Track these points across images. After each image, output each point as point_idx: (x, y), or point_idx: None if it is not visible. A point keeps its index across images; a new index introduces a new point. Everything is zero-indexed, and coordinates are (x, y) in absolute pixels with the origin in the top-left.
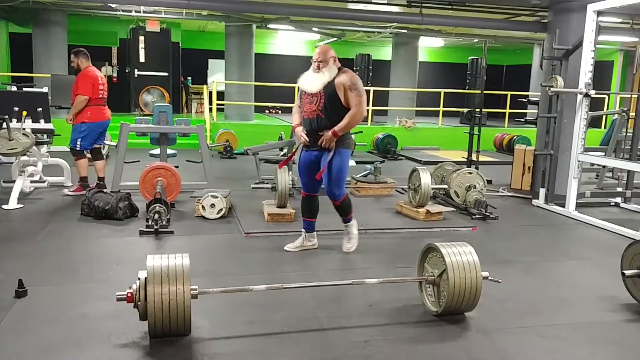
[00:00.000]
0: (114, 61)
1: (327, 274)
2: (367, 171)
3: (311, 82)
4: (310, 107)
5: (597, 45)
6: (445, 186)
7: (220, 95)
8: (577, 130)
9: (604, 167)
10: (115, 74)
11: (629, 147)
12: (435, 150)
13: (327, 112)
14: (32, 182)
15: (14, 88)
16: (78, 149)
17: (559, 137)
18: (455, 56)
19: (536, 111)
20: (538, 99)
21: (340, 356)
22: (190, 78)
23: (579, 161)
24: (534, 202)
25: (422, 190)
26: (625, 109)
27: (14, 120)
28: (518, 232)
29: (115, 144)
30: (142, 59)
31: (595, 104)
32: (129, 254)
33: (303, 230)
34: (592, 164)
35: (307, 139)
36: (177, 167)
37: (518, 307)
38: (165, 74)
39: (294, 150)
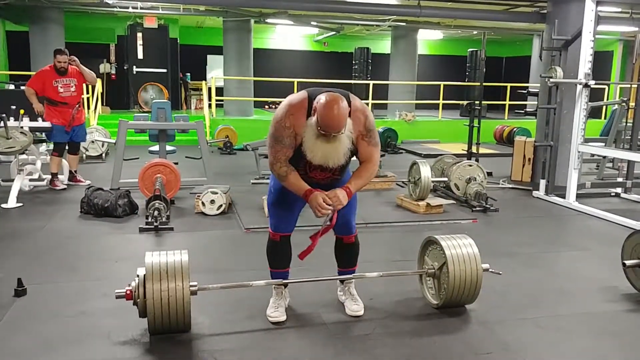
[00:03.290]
0: (112, 58)
1: (327, 269)
2: None
3: (331, 155)
4: (323, 174)
5: (597, 36)
6: (446, 179)
7: (219, 91)
8: (577, 121)
9: (604, 157)
10: (113, 71)
11: (629, 137)
12: (435, 143)
13: (342, 172)
14: (30, 180)
15: (12, 86)
16: None
17: (558, 128)
18: (454, 48)
19: (536, 102)
20: (538, 90)
21: (341, 350)
22: (189, 74)
23: (579, 152)
24: (535, 193)
25: (422, 183)
26: (625, 99)
27: (12, 118)
28: (518, 223)
29: (114, 141)
30: (140, 55)
31: (595, 95)
32: (129, 251)
33: (279, 289)
34: (593, 155)
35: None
36: (176, 163)
37: (519, 299)
38: (164, 70)
39: (322, 228)
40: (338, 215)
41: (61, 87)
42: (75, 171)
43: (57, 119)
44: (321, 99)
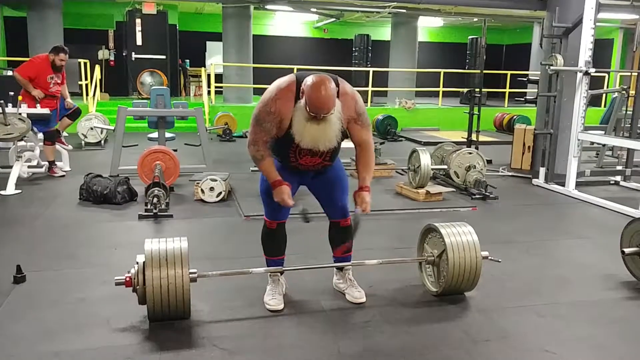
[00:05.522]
0: (111, 44)
1: (326, 256)
2: None
3: (320, 138)
4: (313, 160)
5: (597, 23)
6: (445, 167)
7: (219, 77)
8: (577, 108)
9: (604, 145)
10: (112, 58)
11: (629, 125)
12: (435, 130)
13: (332, 157)
14: (29, 167)
15: (10, 72)
16: None
17: (558, 116)
18: (454, 36)
19: (536, 90)
20: (538, 78)
21: (341, 337)
22: (188, 61)
23: (578, 140)
24: (534, 181)
25: (421, 171)
26: (625, 87)
27: (10, 105)
28: (518, 211)
29: (113, 128)
30: (139, 42)
31: (595, 83)
32: (128, 238)
33: (275, 277)
34: (592, 143)
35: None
36: (175, 150)
37: (518, 287)
38: (163, 56)
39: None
40: (333, 199)
41: (52, 84)
42: (61, 132)
43: (47, 108)
44: (309, 80)
